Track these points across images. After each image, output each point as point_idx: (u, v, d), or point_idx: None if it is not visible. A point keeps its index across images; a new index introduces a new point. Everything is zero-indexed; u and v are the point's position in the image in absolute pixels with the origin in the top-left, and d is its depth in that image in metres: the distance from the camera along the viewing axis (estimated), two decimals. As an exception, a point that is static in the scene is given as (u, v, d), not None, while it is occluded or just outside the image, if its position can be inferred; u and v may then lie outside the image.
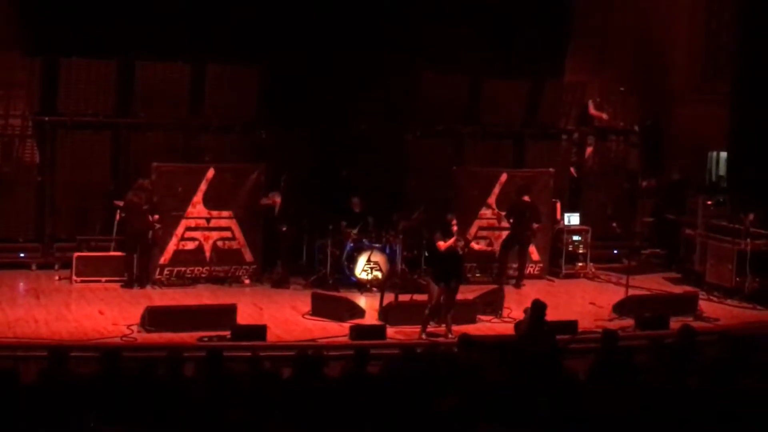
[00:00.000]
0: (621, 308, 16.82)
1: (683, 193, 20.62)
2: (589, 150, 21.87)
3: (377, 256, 18.05)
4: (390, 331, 15.15)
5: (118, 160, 19.03)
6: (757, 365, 11.23)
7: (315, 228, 18.32)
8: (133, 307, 15.92)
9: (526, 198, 18.77)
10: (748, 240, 18.23)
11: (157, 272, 17.82)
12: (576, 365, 11.73)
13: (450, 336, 14.97)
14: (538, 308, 13.42)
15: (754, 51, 19.99)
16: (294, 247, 18.43)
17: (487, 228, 19.32)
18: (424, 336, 15.10)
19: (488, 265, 19.23)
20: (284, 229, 18.06)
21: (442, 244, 15.14)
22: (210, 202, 18.14)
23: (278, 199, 18.07)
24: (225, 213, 18.24)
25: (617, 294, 17.60)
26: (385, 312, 16.04)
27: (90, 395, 9.58)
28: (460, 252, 15.38)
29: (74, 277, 17.66)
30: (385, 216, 18.45)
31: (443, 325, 15.28)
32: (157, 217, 17.54)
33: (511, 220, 18.74)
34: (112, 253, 18.10)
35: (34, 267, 18.53)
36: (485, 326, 15.90)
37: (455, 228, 15.31)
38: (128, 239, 17.75)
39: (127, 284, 17.54)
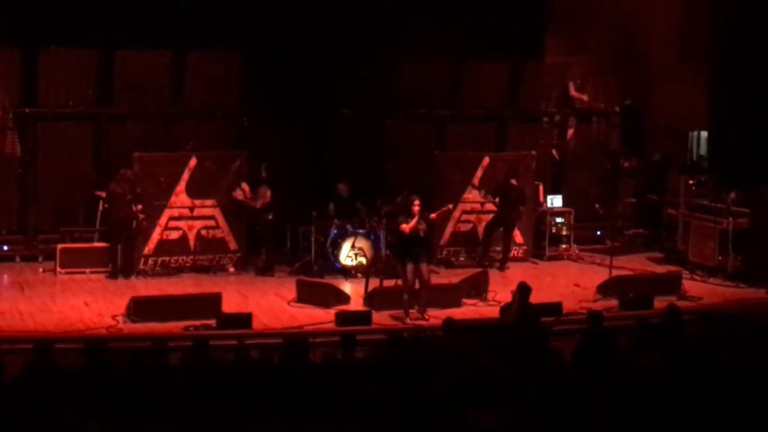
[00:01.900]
0: (605, 289, 16.89)
1: (665, 173, 20.70)
2: (570, 132, 21.91)
3: (361, 242, 18.06)
4: (376, 316, 15.19)
5: (100, 150, 18.98)
6: (741, 343, 11.30)
7: (299, 214, 18.32)
8: (118, 298, 15.90)
9: (514, 181, 18.81)
10: (730, 219, 18.32)
11: (142, 262, 17.79)
12: (561, 347, 11.78)
13: (426, 318, 15.15)
14: (525, 291, 13.49)
15: (731, 30, 20.04)
16: (278, 234, 18.42)
17: (471, 212, 19.36)
18: (408, 320, 15.18)
19: (473, 249, 19.29)
20: (270, 217, 18.06)
21: (405, 227, 15.31)
22: (193, 190, 18.10)
23: (268, 192, 18.04)
24: (208, 201, 18.21)
25: (601, 275, 17.66)
26: (370, 297, 16.07)
27: (76, 386, 9.58)
28: (422, 234, 15.45)
29: (58, 269, 17.62)
30: (368, 201, 18.47)
31: (416, 308, 15.38)
32: (140, 207, 17.51)
33: (497, 202, 18.78)
34: (95, 244, 18.08)
35: (17, 259, 18.47)
36: (470, 310, 15.94)
37: (416, 209, 15.39)
38: (112, 230, 17.72)
39: (112, 275, 17.51)
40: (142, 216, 17.54)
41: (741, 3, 19.79)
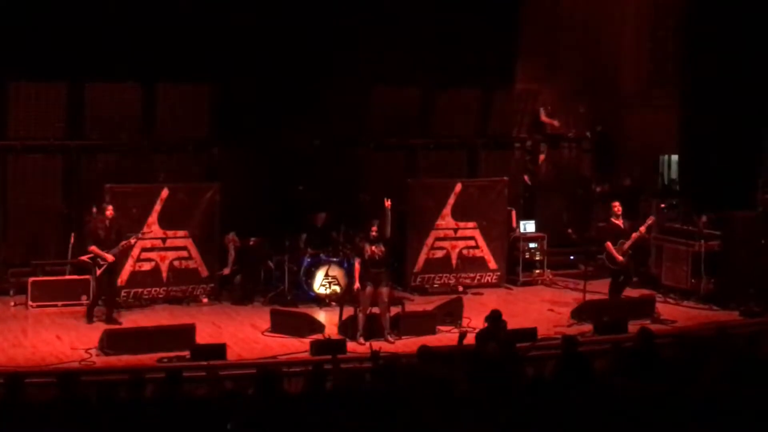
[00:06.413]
0: (579, 314, 16.92)
1: (636, 197, 20.77)
2: (541, 157, 21.98)
3: (335, 271, 18.03)
4: (351, 344, 15.15)
5: (71, 183, 18.90)
6: (715, 365, 11.32)
7: (271, 245, 18.28)
8: (91, 331, 15.78)
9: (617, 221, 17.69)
10: (702, 241, 18.39)
11: (114, 294, 17.66)
12: (537, 372, 11.78)
13: (390, 339, 15.45)
14: (496, 318, 13.54)
15: (699, 55, 20.18)
16: (257, 262, 18.37)
17: (444, 239, 19.35)
18: (361, 340, 15.37)
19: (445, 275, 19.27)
20: (252, 242, 18.07)
21: (367, 249, 15.61)
22: (165, 222, 18.04)
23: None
24: (180, 232, 18.13)
25: (575, 299, 17.70)
26: (345, 326, 16.04)
27: (49, 421, 9.50)
28: (377, 257, 15.62)
29: (30, 303, 17.47)
30: (341, 230, 18.46)
31: (388, 337, 15.57)
32: (92, 247, 16.68)
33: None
34: (67, 277, 17.95)
35: (-12, 294, 18.34)
36: (445, 337, 15.92)
37: (374, 234, 15.63)
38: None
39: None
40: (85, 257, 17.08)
41: (707, 29, 19.91)
